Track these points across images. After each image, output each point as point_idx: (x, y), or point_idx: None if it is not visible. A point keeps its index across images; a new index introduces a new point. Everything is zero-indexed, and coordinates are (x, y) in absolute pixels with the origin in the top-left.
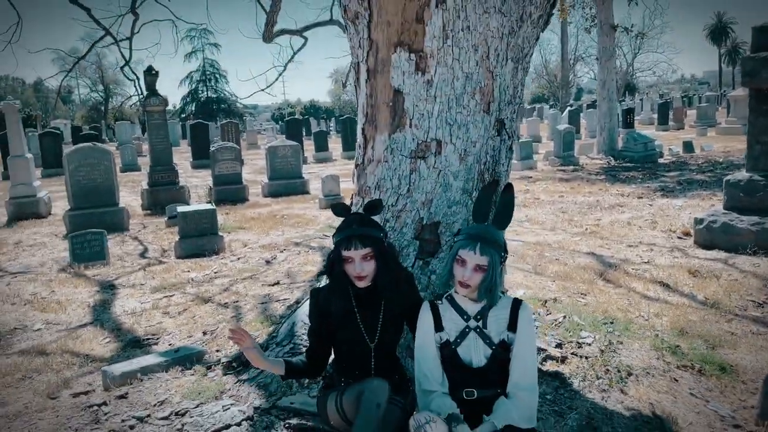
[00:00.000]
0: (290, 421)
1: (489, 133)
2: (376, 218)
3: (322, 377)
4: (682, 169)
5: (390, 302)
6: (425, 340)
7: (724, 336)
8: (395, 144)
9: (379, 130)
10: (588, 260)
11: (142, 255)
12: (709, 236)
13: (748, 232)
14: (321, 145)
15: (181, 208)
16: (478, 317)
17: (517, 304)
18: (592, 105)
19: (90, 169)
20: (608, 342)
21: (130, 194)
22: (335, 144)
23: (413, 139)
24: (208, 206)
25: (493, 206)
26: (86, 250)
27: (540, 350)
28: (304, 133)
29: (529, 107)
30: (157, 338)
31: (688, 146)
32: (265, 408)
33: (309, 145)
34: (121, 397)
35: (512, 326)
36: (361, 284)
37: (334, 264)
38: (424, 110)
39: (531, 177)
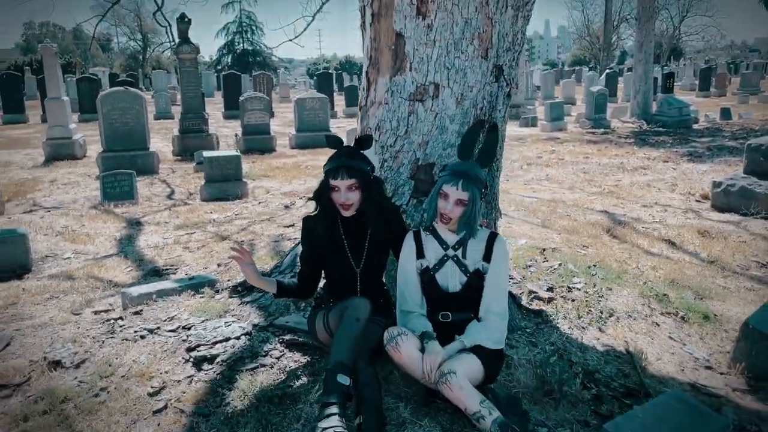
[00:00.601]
0: (284, 337)
1: (486, 79)
2: (375, 158)
3: (313, 299)
4: (715, 136)
5: (375, 231)
6: (407, 265)
7: (716, 289)
8: (395, 86)
9: (381, 72)
10: (599, 217)
11: (169, 197)
12: (726, 199)
13: (765, 196)
14: (352, 99)
15: (207, 153)
16: (457, 247)
17: (492, 237)
18: None
19: (122, 113)
20: (598, 288)
21: (163, 140)
22: None
23: (412, 82)
24: (233, 152)
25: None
26: (116, 189)
27: (530, 292)
28: (336, 89)
29: (567, 69)
30: (176, 269)
31: (725, 113)
32: (263, 326)
33: (340, 100)
34: (136, 313)
35: (487, 257)
36: (346, 213)
37: (322, 192)
38: (424, 54)
39: (559, 138)
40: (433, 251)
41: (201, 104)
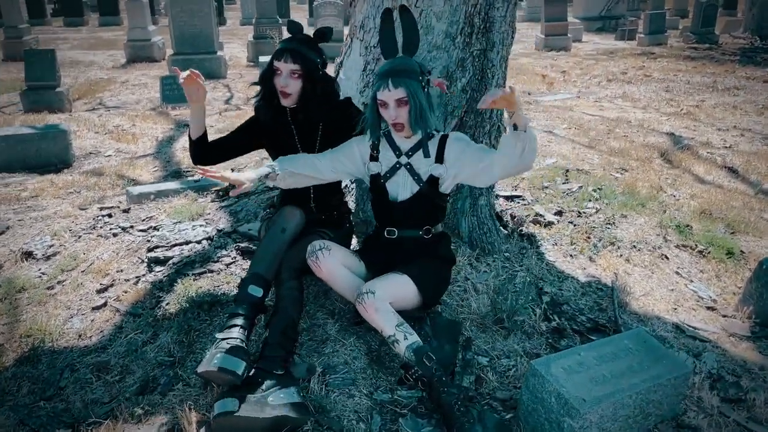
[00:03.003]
0: (240, 244)
1: None
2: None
3: (268, 206)
4: None
5: (327, 128)
6: (350, 144)
7: (758, 224)
8: None
9: None
10: (661, 140)
11: (227, 101)
12: None
13: None
14: None
15: (263, 57)
16: (410, 154)
17: (444, 137)
18: None
19: (191, 15)
20: (611, 215)
21: (242, 46)
22: None
23: None
24: None
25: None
26: (175, 92)
27: (536, 215)
28: None
29: None
30: (195, 171)
31: None
32: (227, 231)
33: None
34: (125, 211)
35: (439, 158)
36: (285, 101)
37: (266, 75)
38: None
39: (654, 53)
40: (385, 158)
41: (275, 8)
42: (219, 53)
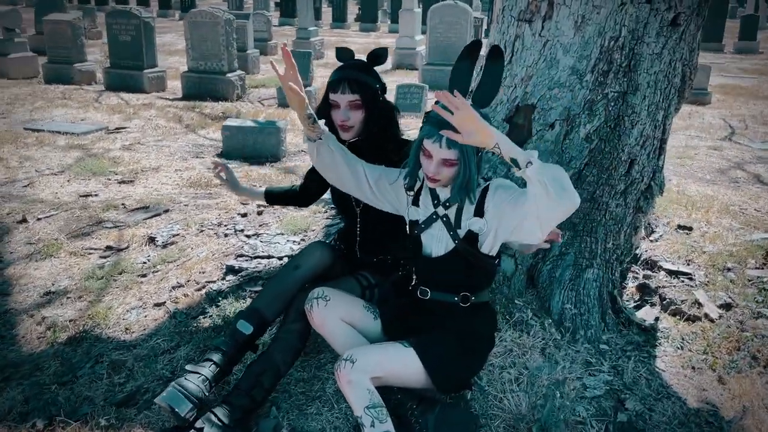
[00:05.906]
0: None
1: None
2: None
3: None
4: None
5: (390, 165)
6: (397, 172)
7: None
8: (507, 2)
9: None
10: None
11: None
12: None
13: None
14: None
15: None
16: (447, 204)
17: (486, 188)
18: None
19: (447, 27)
20: None
21: None
22: None
23: None
24: None
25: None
26: (407, 100)
27: (694, 303)
28: None
29: None
30: None
31: None
32: None
33: None
34: (259, 213)
35: (479, 211)
36: (345, 135)
37: (321, 110)
38: None
39: None
40: (424, 206)
41: None
42: None
